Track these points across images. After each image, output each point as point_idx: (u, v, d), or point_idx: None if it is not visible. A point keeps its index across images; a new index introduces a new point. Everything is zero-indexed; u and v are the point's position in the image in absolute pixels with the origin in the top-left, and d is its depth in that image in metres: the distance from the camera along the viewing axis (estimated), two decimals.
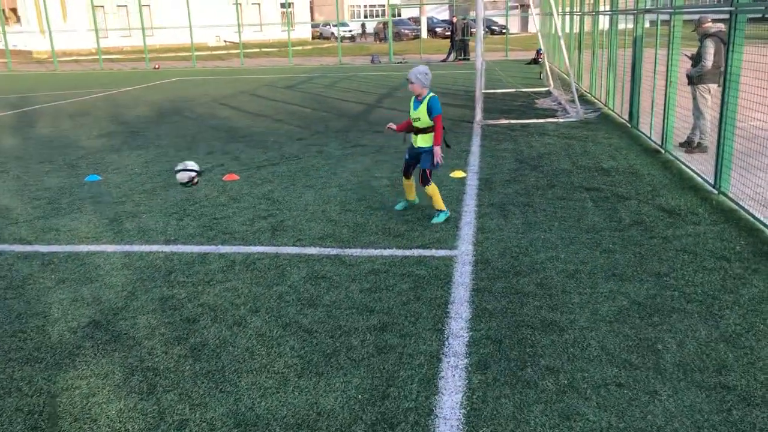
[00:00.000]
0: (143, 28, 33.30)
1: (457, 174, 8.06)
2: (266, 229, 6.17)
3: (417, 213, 6.52)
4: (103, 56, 35.61)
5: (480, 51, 11.90)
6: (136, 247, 5.77)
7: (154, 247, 5.75)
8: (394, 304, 4.48)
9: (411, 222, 6.24)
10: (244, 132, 11.83)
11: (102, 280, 5.04)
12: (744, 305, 4.28)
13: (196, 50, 34.52)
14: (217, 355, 3.84)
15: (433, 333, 4.05)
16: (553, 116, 12.33)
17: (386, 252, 5.48)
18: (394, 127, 6.42)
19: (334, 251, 5.53)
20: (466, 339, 3.97)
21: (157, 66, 31.96)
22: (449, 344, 3.91)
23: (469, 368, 3.64)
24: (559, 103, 13.63)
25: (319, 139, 10.92)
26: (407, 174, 6.44)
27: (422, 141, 6.18)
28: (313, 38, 59.64)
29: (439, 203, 6.22)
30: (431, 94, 6.06)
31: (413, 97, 6.17)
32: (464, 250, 5.48)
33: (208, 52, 41.77)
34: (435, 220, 6.20)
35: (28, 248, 5.81)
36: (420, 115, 6.06)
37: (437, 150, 6.11)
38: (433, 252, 5.45)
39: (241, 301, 4.58)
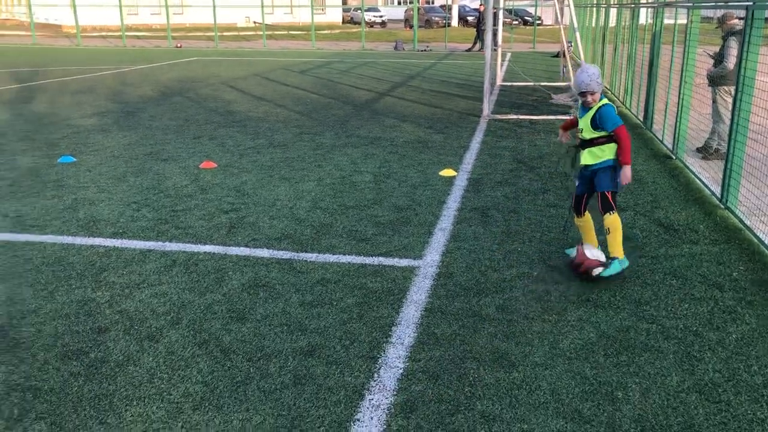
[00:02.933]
0: (167, 6, 33.03)
1: (447, 172, 7.50)
2: (224, 225, 5.71)
3: (394, 214, 5.99)
4: (131, 33, 35.50)
5: (489, 42, 11.27)
6: (79, 240, 5.35)
7: (98, 241, 5.32)
8: (331, 322, 3.98)
9: (383, 225, 5.73)
10: (241, 117, 11.38)
11: (26, 276, 4.63)
12: (729, 347, 3.70)
13: (224, 31, 34.19)
14: (113, 376, 3.39)
15: (365, 362, 3.55)
16: (566, 113, 11.65)
17: (344, 259, 4.98)
18: (564, 136, 5.02)
19: (287, 255, 5.04)
20: (400, 371, 3.46)
21: (179, 45, 31.69)
22: (378, 377, 3.40)
23: (392, 409, 3.14)
24: (576, 100, 12.93)
25: (316, 127, 10.43)
26: (579, 209, 4.76)
27: (590, 156, 4.57)
28: (343, 22, 58.98)
29: (617, 246, 4.52)
30: (604, 101, 4.50)
31: (581, 101, 4.65)
32: (430, 260, 4.96)
33: (235, 33, 41.44)
34: (603, 272, 4.47)
35: None
36: (583, 125, 4.59)
37: (627, 170, 4.45)
38: (395, 261, 4.94)
39: (164, 310, 4.12)
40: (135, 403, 3.16)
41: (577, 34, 12.78)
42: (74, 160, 8.07)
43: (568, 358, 3.59)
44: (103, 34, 40.68)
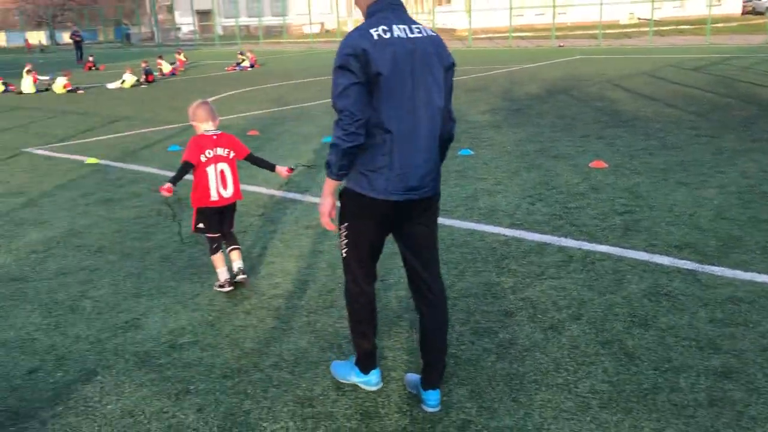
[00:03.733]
0: (554, 6, 33.60)
1: None
2: (618, 227, 5.60)
3: None
4: (516, 34, 37.10)
5: None
6: (481, 226, 5.79)
7: (497, 229, 5.70)
8: (749, 347, 3.61)
9: None
10: (629, 116, 11.01)
11: (440, 254, 5.16)
12: None
13: (606, 28, 33.55)
14: (521, 359, 3.60)
15: None
16: None
17: (759, 278, 4.47)
18: None
19: (689, 265, 4.72)
20: None
21: (561, 44, 32.03)
22: None
23: None
24: None
25: (714, 129, 9.54)
26: None
27: None
28: (743, 14, 52.71)
29: None
30: None
31: None
32: None
33: (618, 30, 40.21)
34: None
35: None
36: None
37: None
38: None
39: (565, 304, 4.23)
40: (543, 389, 3.31)
41: None
42: (472, 153, 8.76)
43: None
44: (490, 35, 43.29)
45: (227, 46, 46.95)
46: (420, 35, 2.87)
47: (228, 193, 4.63)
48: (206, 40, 56.57)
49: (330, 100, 2.86)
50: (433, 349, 3.15)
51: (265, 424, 3.12)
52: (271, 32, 58.66)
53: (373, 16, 2.88)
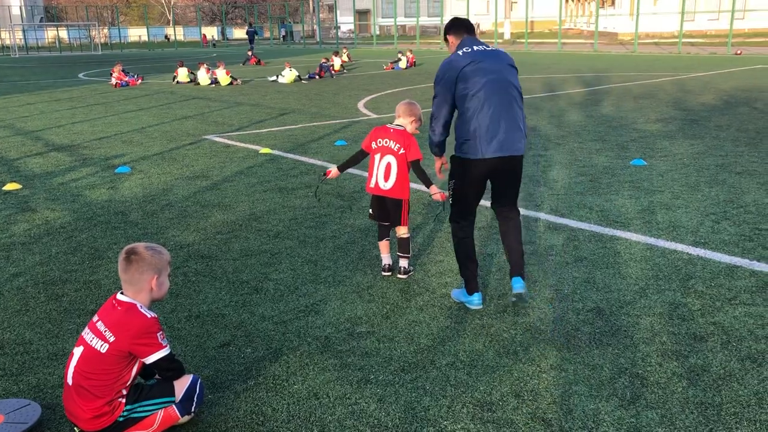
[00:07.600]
0: (733, 11, 31.18)
1: None
2: None
3: None
4: (686, 39, 34.85)
5: None
6: (661, 242, 5.47)
7: (680, 247, 5.35)
8: None
9: None
10: None
11: (617, 268, 4.95)
12: None
13: None
14: (716, 388, 3.34)
15: None
16: None
17: None
18: None
19: None
20: None
21: (738, 52, 29.65)
22: None
23: None
24: None
25: None
26: None
27: None
28: None
29: None
30: None
31: None
32: None
33: None
34: None
35: (558, 220, 6.14)
36: None
37: None
38: None
39: (763, 333, 3.88)
40: (745, 423, 3.05)
41: None
42: (645, 163, 8.31)
43: None
44: (656, 41, 41.00)
45: (383, 45, 48.04)
46: None
47: (387, 186, 4.71)
48: (363, 39, 58.24)
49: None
50: (513, 250, 4.30)
51: (445, 423, 3.13)
52: (426, 32, 59.23)
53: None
